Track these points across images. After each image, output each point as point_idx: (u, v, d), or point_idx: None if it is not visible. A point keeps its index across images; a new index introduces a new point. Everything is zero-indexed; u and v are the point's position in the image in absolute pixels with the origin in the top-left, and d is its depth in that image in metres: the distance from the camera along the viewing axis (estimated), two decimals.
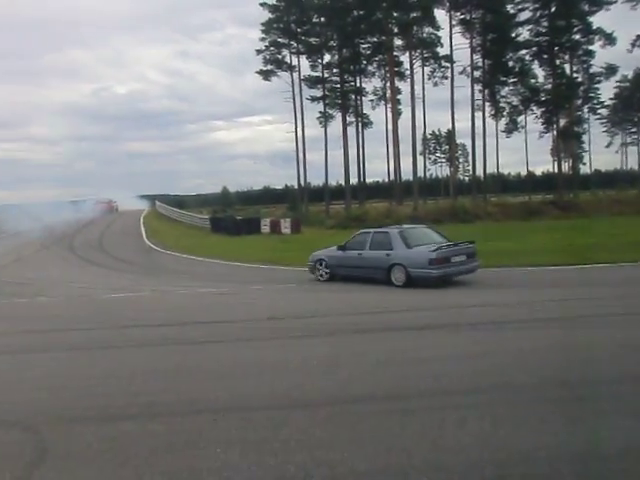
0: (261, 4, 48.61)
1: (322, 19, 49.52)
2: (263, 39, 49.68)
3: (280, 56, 50.38)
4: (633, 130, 66.60)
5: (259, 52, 49.60)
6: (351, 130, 50.73)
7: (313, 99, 50.26)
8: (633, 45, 46.10)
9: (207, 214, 46.01)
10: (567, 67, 48.35)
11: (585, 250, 16.88)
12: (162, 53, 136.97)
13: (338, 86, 50.74)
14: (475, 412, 4.03)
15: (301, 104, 49.86)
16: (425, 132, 54.96)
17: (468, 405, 4.22)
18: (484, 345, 6.37)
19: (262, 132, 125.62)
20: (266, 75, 50.21)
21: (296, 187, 54.05)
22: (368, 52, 50.21)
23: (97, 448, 3.71)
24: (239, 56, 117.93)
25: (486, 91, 48.61)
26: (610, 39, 45.36)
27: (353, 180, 52.38)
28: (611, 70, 47.24)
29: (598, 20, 47.37)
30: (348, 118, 50.73)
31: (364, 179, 53.99)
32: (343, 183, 53.26)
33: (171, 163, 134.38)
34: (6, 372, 6.12)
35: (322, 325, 8.03)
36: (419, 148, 50.74)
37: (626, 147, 68.67)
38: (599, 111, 54.00)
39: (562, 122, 49.15)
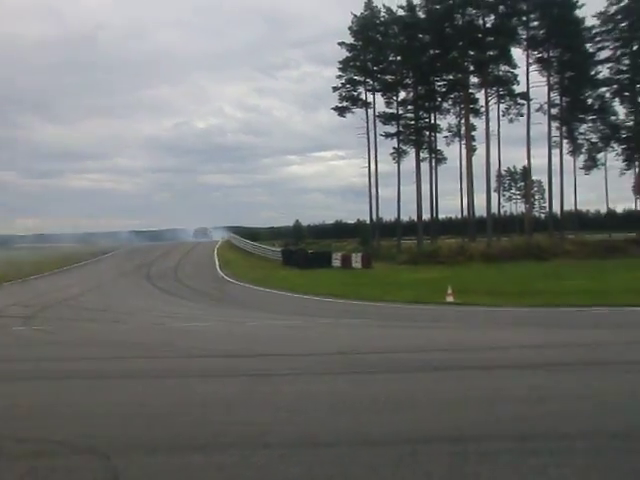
0: (339, 43, 50.13)
1: (398, 58, 50.22)
2: (340, 76, 50.91)
3: (355, 93, 51.38)
4: None
5: (335, 89, 50.87)
6: (424, 166, 50.68)
7: (387, 135, 50.75)
8: None
9: (279, 247, 46.81)
10: None
11: None
12: (240, 90, 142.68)
13: (412, 122, 50.99)
14: (555, 459, 3.71)
15: (375, 140, 50.40)
16: (500, 169, 54.31)
17: (546, 451, 3.89)
18: (555, 387, 6.01)
19: (335, 167, 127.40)
20: (341, 111, 51.30)
21: (368, 222, 54.14)
22: (443, 89, 50.41)
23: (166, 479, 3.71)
24: (313, 93, 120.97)
25: (564, 128, 47.46)
26: None
27: (425, 216, 51.96)
28: None
29: None
30: (422, 154, 50.71)
31: (437, 215, 53.43)
32: (415, 219, 52.92)
33: (246, 196, 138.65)
34: (79, 397, 6.24)
35: (393, 361, 7.85)
36: (493, 185, 49.98)
37: None
38: None
39: None
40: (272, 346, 9.98)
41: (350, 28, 49.99)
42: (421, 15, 49.10)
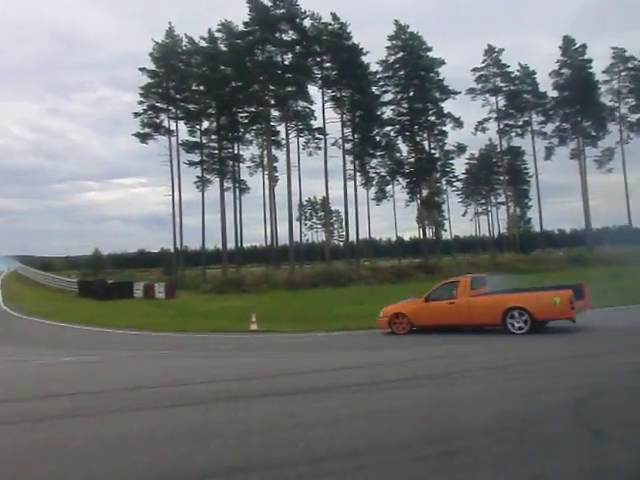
0: (140, 69, 49.02)
1: (201, 87, 50.55)
2: (141, 102, 49.60)
3: (158, 120, 50.45)
4: (482, 202, 74.35)
5: (137, 115, 49.45)
6: (229, 195, 51.37)
7: (191, 163, 50.49)
8: (476, 129, 55.97)
9: (76, 277, 43.41)
10: (426, 144, 53.97)
11: None
12: (29, 109, 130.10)
13: (216, 152, 51.43)
14: (347, 477, 4.11)
15: (178, 168, 49.80)
16: (301, 199, 57.65)
17: (340, 470, 4.25)
18: (355, 407, 6.50)
19: (136, 194, 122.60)
20: (143, 138, 49.79)
21: (172, 251, 52.91)
22: (246, 121, 51.94)
23: None
24: (112, 117, 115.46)
25: (357, 162, 52.11)
26: (458, 122, 52.72)
27: (230, 244, 52.44)
28: (461, 149, 54.85)
29: (448, 106, 54.08)
30: (226, 183, 51.47)
31: (241, 243, 54.36)
32: (220, 247, 53.13)
33: (37, 222, 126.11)
34: None
35: (195, 393, 7.76)
36: (295, 214, 52.88)
37: (478, 216, 76.11)
38: (455, 184, 60.11)
39: (424, 192, 53.62)
40: (61, 386, 9.10)
41: (151, 54, 49.29)
42: (223, 48, 50.47)
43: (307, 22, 49.74)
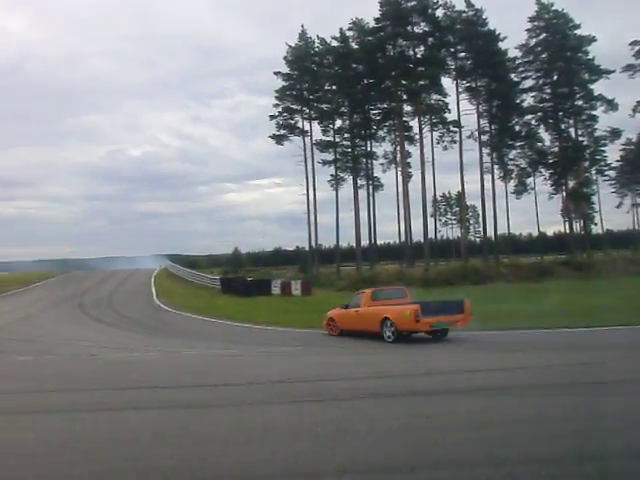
0: (275, 73, 50.89)
1: (333, 87, 51.31)
2: (276, 105, 51.48)
3: (292, 121, 51.95)
4: None
5: (272, 117, 51.33)
6: (362, 193, 51.60)
7: (324, 162, 51.40)
8: (634, 110, 48.82)
9: (218, 274, 46.05)
10: (572, 131, 49.87)
11: (597, 311, 16.51)
12: (175, 118, 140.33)
13: (349, 150, 51.99)
14: None
15: (312, 167, 50.96)
16: (435, 194, 56.10)
17: (487, 478, 3.89)
18: (499, 412, 6.06)
19: (272, 194, 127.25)
20: (279, 139, 51.59)
21: (307, 249, 54.20)
22: (378, 118, 51.83)
23: None
24: (248, 121, 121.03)
25: (494, 154, 49.63)
26: (612, 105, 47.49)
27: (364, 242, 52.55)
28: (615, 134, 49.02)
29: (599, 87, 48.98)
30: (359, 181, 51.76)
31: (375, 241, 54.28)
32: (354, 245, 53.52)
33: (183, 223, 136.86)
34: None
35: (332, 389, 7.71)
36: (430, 210, 51.56)
37: (637, 208, 68.57)
38: (607, 173, 54.46)
39: (571, 183, 49.61)
40: (209, 376, 9.68)
41: (285, 58, 51.17)
42: (354, 46, 50.82)
43: (439, 12, 48.50)
